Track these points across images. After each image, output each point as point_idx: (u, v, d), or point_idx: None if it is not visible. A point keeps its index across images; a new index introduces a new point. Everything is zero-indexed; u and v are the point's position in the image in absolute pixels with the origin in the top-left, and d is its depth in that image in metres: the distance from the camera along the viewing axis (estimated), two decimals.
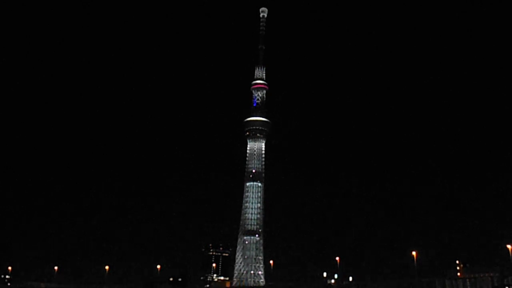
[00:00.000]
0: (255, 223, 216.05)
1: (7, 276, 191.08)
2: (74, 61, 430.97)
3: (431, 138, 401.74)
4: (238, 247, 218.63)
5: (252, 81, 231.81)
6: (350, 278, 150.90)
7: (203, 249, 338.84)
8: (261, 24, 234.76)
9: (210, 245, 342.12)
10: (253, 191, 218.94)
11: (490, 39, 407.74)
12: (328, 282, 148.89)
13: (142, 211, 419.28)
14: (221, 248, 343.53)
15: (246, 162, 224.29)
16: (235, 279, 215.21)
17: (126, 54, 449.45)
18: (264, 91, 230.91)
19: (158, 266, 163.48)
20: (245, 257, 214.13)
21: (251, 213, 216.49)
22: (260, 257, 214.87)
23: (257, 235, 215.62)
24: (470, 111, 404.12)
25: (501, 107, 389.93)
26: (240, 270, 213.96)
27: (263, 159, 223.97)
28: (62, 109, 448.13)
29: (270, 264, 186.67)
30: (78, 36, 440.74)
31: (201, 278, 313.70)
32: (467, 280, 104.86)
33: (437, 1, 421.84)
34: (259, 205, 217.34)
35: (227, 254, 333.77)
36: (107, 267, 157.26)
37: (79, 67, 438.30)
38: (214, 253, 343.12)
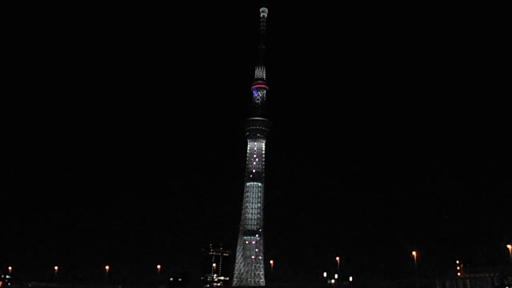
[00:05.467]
0: (255, 223, 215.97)
1: (7, 276, 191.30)
2: (74, 61, 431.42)
3: (431, 138, 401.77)
4: (238, 247, 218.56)
5: (252, 81, 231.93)
6: (350, 278, 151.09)
7: (203, 249, 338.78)
8: (261, 24, 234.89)
9: (210, 245, 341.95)
10: (253, 191, 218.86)
11: (490, 39, 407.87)
12: (328, 282, 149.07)
13: (142, 211, 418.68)
14: (221, 248, 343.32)
15: (246, 162, 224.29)
16: (235, 279, 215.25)
17: (126, 54, 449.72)
18: (264, 91, 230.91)
19: (158, 266, 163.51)
20: (245, 257, 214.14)
21: (251, 213, 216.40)
22: (260, 257, 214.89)
23: (257, 235, 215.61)
24: (471, 111, 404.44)
25: (502, 107, 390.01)
26: (240, 270, 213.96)
27: (263, 159, 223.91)
28: (65, 109, 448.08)
29: (270, 264, 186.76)
30: (78, 36, 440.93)
31: (201, 278, 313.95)
32: (467, 280, 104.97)
33: (437, 1, 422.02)
34: (259, 205, 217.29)
35: (227, 254, 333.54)
36: (107, 267, 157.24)
37: (79, 68, 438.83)
38: (214, 253, 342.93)
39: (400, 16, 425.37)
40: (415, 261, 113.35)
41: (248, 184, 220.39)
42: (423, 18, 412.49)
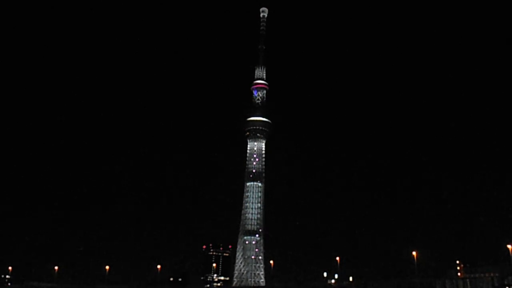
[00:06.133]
0: (255, 223, 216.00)
1: (7, 276, 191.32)
2: (74, 61, 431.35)
3: (431, 138, 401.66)
4: (238, 247, 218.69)
5: (253, 81, 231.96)
6: (350, 278, 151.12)
7: (203, 249, 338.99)
8: (261, 24, 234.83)
9: (210, 245, 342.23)
10: (253, 191, 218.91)
11: (490, 39, 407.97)
12: (328, 282, 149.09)
13: (142, 211, 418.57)
14: (221, 248, 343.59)
15: (246, 162, 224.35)
16: (235, 279, 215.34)
17: (126, 54, 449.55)
18: (265, 91, 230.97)
19: (158, 266, 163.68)
20: (245, 257, 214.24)
21: (251, 213, 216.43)
22: (260, 257, 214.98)
23: (257, 235, 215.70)
24: (470, 111, 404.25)
25: (502, 107, 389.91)
26: (240, 270, 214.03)
27: (263, 159, 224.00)
28: (65, 109, 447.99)
29: (270, 264, 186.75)
30: (79, 36, 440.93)
31: (201, 278, 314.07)
32: (467, 280, 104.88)
33: (437, 1, 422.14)
34: (259, 205, 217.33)
35: (227, 254, 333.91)
36: (107, 267, 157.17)
37: (79, 68, 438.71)
38: (214, 253, 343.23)
39: (400, 16, 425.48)
40: (415, 261, 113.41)
41: (248, 184, 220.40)
42: (423, 18, 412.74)
